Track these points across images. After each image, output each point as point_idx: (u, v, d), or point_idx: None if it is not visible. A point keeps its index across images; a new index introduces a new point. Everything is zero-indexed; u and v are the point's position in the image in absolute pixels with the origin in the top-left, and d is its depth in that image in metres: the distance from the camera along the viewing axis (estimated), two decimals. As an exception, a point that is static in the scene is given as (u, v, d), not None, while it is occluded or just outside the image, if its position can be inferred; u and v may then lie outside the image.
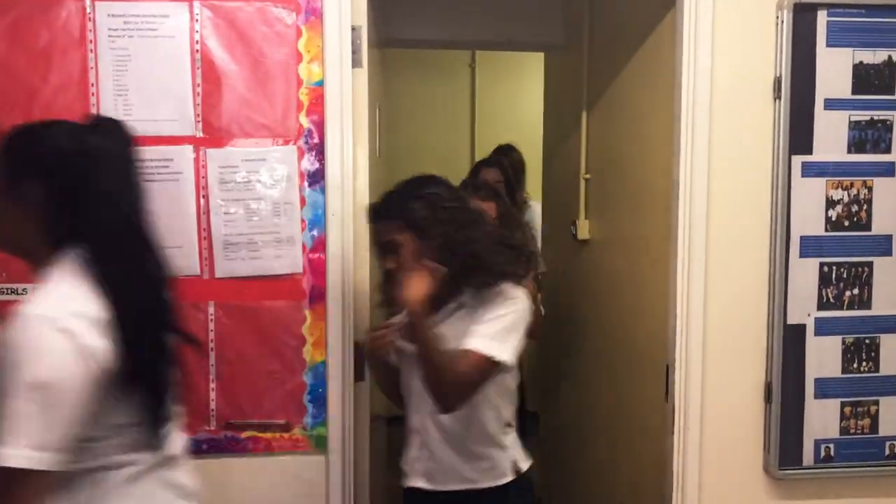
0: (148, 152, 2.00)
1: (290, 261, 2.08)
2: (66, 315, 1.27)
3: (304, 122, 2.07)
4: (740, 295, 2.21)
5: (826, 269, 2.21)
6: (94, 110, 2.00)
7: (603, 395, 2.93)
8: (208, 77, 2.03)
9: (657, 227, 2.36)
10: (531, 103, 4.94)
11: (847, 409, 2.25)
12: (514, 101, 5.08)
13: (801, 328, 2.22)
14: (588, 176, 3.12)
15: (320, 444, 2.13)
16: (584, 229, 3.13)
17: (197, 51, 2.03)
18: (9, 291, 2.02)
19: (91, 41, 2.00)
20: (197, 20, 2.02)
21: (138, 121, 2.01)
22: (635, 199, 2.61)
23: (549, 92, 3.87)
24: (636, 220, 2.61)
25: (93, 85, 2.00)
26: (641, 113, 2.54)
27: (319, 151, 2.07)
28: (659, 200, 2.34)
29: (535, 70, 4.98)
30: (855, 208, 2.20)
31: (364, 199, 2.17)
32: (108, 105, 2.00)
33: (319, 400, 2.12)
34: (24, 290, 2.00)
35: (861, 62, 2.16)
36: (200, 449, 2.09)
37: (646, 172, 2.50)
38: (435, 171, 4.33)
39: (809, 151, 2.18)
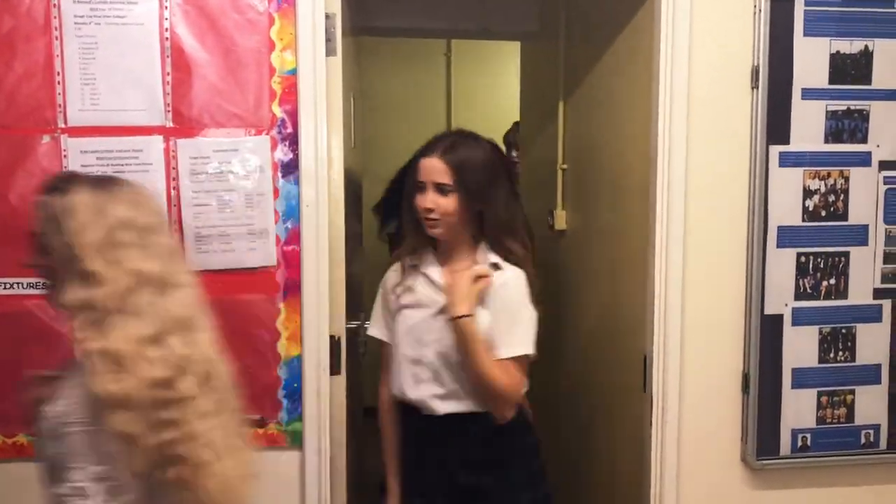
0: (116, 143, 1.97)
1: (263, 253, 2.04)
2: None
3: (277, 111, 2.03)
4: (718, 285, 2.20)
5: (803, 259, 2.21)
6: (59, 99, 1.94)
7: (581, 385, 2.92)
8: (178, 65, 1.98)
9: (635, 218, 2.35)
10: (508, 93, 4.90)
11: (824, 399, 2.25)
12: (490, 90, 5.04)
13: (779, 318, 2.21)
14: (565, 166, 3.10)
15: (296, 440, 2.09)
16: (561, 220, 3.12)
17: (166, 38, 1.98)
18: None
19: (56, 28, 1.94)
20: (166, 7, 1.97)
21: (106, 110, 1.97)
22: (613, 189, 2.60)
23: (525, 81, 3.85)
24: (614, 211, 2.59)
25: (59, 73, 1.94)
26: (619, 102, 2.52)
27: (293, 141, 2.03)
28: (636, 190, 2.33)
29: (512, 60, 4.92)
30: (832, 198, 2.20)
31: (339, 189, 2.13)
32: (75, 94, 1.95)
33: (295, 395, 2.08)
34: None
35: (838, 51, 2.16)
36: (173, 445, 2.05)
37: (623, 162, 2.48)
38: (405, 157, 4.28)
39: (787, 141, 2.17)
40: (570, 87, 3.04)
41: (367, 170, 4.90)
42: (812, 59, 2.16)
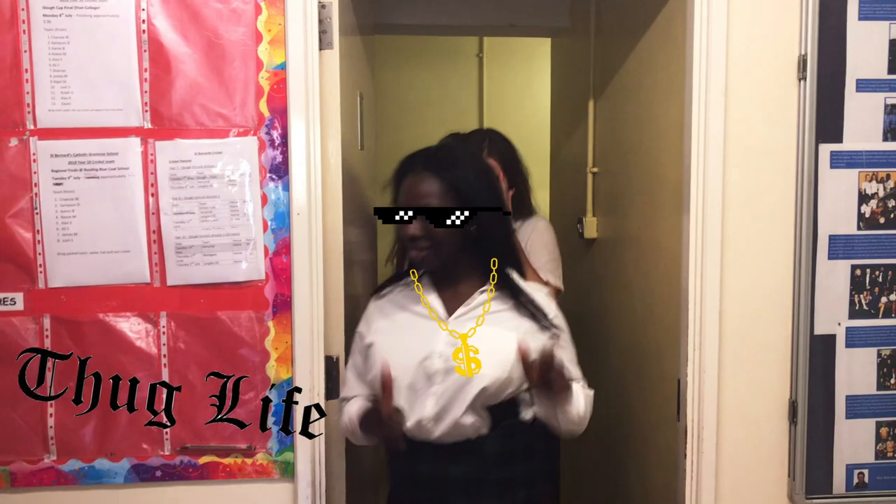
0: (90, 146, 1.81)
1: (250, 266, 1.86)
2: None
3: (265, 110, 1.84)
4: (761, 302, 1.96)
5: (858, 272, 1.95)
6: (28, 98, 1.78)
7: (612, 409, 2.68)
8: (157, 61, 1.81)
9: (669, 227, 2.12)
10: (543, 95, 4.71)
11: (883, 431, 1.99)
12: (524, 92, 4.83)
13: (831, 339, 1.96)
14: (595, 169, 2.87)
15: (287, 471, 1.90)
16: (591, 227, 2.89)
17: (144, 31, 1.80)
18: None
19: (24, 21, 1.78)
20: (143, -3, 1.80)
21: (78, 110, 1.80)
22: (646, 194, 2.36)
23: (555, 80, 3.62)
24: (647, 219, 2.36)
25: (27, 70, 1.78)
26: (652, 99, 2.29)
27: (283, 143, 1.85)
28: (670, 196, 2.10)
29: (546, 60, 4.75)
30: (892, 203, 1.94)
31: (336, 195, 1.94)
32: (45, 93, 1.78)
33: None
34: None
35: (898, 36, 1.90)
36: (153, 476, 1.88)
37: (657, 165, 2.25)
38: None
39: (839, 139, 1.92)
40: (601, 85, 2.81)
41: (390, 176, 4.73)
42: (868, 45, 1.91)
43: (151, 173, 1.82)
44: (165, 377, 1.85)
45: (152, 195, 1.83)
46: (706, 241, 1.94)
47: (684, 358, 1.98)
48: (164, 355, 1.85)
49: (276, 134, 1.84)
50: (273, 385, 1.88)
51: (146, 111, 1.81)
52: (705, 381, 1.96)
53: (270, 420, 1.89)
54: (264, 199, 1.85)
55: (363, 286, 2.40)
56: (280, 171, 1.85)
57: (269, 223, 1.85)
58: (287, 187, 1.85)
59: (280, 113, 1.84)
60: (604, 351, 2.76)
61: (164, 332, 1.85)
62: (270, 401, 1.88)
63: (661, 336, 2.18)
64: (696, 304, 1.96)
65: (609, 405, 2.70)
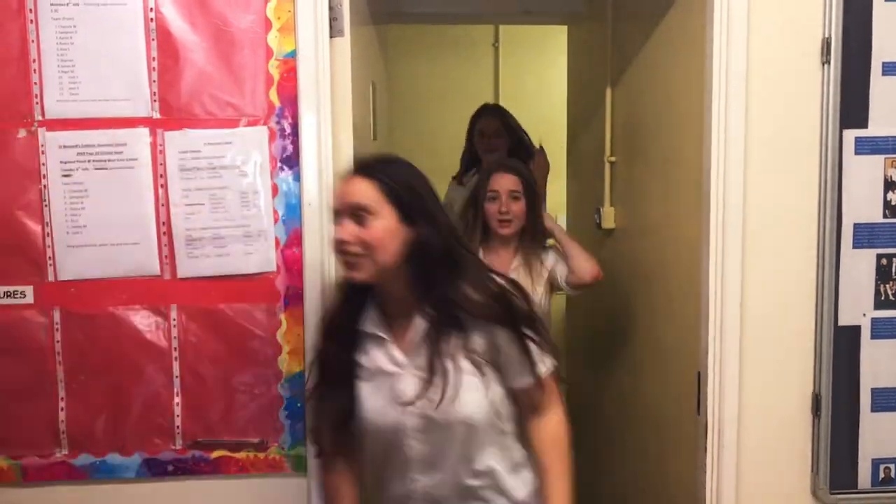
0: (98, 136, 1.79)
1: (261, 258, 1.83)
2: None
3: (275, 99, 1.81)
4: (783, 292, 1.91)
5: (884, 261, 1.90)
6: (35, 88, 1.76)
7: (629, 402, 2.64)
8: (165, 49, 1.78)
9: (689, 216, 2.07)
10: (559, 84, 4.65)
11: (910, 424, 1.94)
12: (540, 81, 4.76)
13: (855, 330, 1.91)
14: (613, 159, 2.82)
15: (300, 466, 1.87)
16: (609, 217, 2.83)
17: (151, 20, 1.77)
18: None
19: (31, 10, 1.75)
20: (151, -15, 1.77)
21: (86, 100, 1.78)
22: (665, 183, 2.31)
23: (572, 69, 3.56)
24: (666, 208, 2.31)
25: (34, 61, 1.76)
26: (670, 86, 2.23)
27: (293, 133, 1.81)
28: (690, 185, 2.05)
29: (562, 48, 4.69)
30: (919, 190, 1.89)
31: (348, 186, 1.91)
32: (53, 83, 1.76)
33: (298, 415, 1.86)
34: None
35: (927, 17, 1.84)
36: (165, 471, 1.86)
37: (676, 154, 2.20)
38: (455, 157, 4.08)
39: (864, 125, 1.86)
40: (618, 72, 2.76)
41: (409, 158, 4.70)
42: (895, 28, 1.85)
43: (160, 164, 1.80)
44: (176, 371, 1.83)
45: (161, 186, 1.80)
46: (727, 231, 1.89)
47: (704, 350, 1.94)
48: (175, 349, 1.83)
49: (286, 123, 1.81)
50: (285, 378, 1.85)
51: (155, 101, 1.79)
52: (726, 374, 1.92)
53: (282, 414, 1.86)
54: (275, 190, 1.82)
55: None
56: (291, 161, 1.82)
57: (279, 214, 1.82)
58: (298, 178, 1.82)
59: (290, 102, 1.81)
60: (622, 342, 2.71)
61: (174, 325, 1.83)
62: (283, 395, 1.85)
63: (681, 327, 2.13)
64: (716, 295, 1.91)
65: (627, 398, 2.66)
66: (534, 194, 2.62)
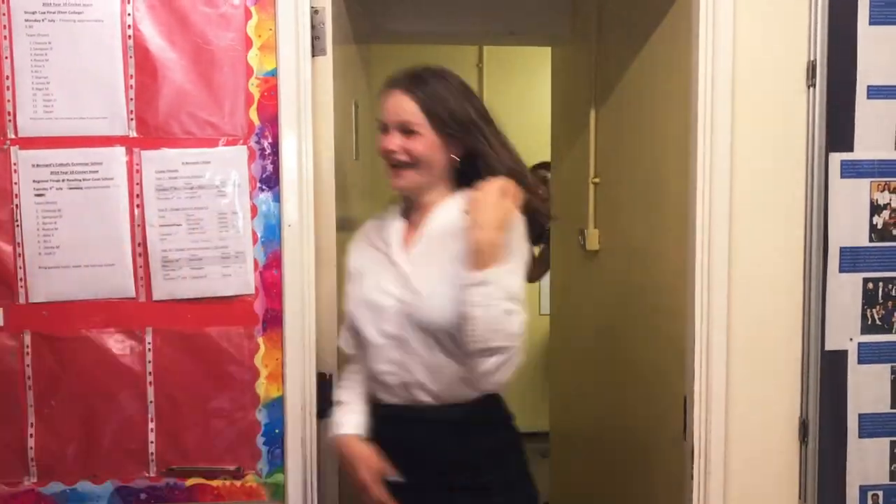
0: (73, 155, 1.75)
1: (239, 280, 1.79)
2: None
3: (255, 118, 1.78)
4: (770, 316, 1.89)
5: (871, 285, 1.88)
6: (9, 106, 1.72)
7: (613, 426, 2.61)
8: (143, 67, 1.75)
9: (673, 238, 2.05)
10: (543, 105, 4.65)
11: (898, 450, 1.92)
12: (524, 102, 4.75)
13: (842, 355, 1.89)
14: (597, 180, 2.80)
15: (278, 494, 1.82)
16: (593, 239, 2.81)
17: (129, 37, 1.74)
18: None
19: (5, 26, 1.71)
20: (129, 1, 1.74)
21: (61, 119, 1.74)
22: (649, 205, 2.30)
23: (556, 90, 3.56)
24: (650, 230, 2.29)
25: (8, 77, 1.72)
26: (656, 107, 2.22)
27: (273, 152, 1.78)
28: (675, 207, 2.03)
29: (546, 69, 4.69)
30: (905, 214, 1.87)
31: (329, 207, 1.88)
32: (26, 100, 1.72)
33: (276, 442, 1.81)
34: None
35: (911, 41, 1.84)
36: (138, 499, 1.80)
37: (660, 175, 2.19)
38: None
39: (850, 148, 1.86)
40: (603, 94, 2.75)
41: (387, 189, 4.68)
42: (880, 51, 1.84)
43: (137, 184, 1.76)
44: (151, 396, 1.78)
45: (138, 206, 1.76)
46: (713, 254, 1.87)
47: (690, 374, 1.91)
48: (150, 373, 1.78)
49: (266, 143, 1.78)
50: (263, 404, 1.81)
51: (132, 119, 1.75)
52: (713, 399, 1.89)
53: (260, 440, 1.81)
54: (254, 211, 1.78)
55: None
56: (271, 181, 1.78)
57: (258, 235, 1.79)
58: (278, 198, 1.78)
59: (271, 121, 1.77)
60: (605, 365, 2.68)
61: (149, 349, 1.78)
62: (260, 420, 1.81)
63: (667, 351, 2.11)
64: (703, 318, 1.88)
65: (610, 421, 2.63)
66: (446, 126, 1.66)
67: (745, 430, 1.90)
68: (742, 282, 1.87)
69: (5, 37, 1.71)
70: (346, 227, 2.06)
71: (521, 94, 4.77)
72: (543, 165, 3.77)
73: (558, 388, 3.43)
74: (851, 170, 1.86)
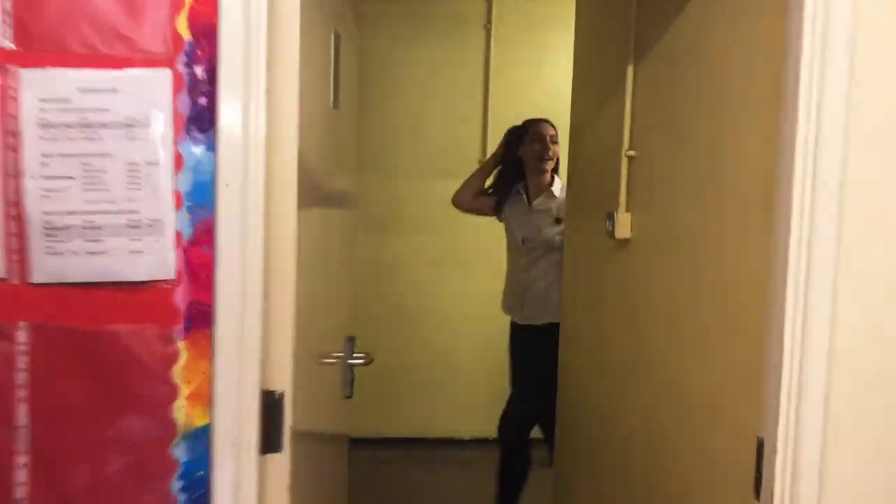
0: (-82, 71, 1.20)
1: (154, 259, 1.27)
2: None
3: (184, 30, 1.25)
4: (891, 342, 1.37)
5: None
6: None
7: (643, 464, 2.10)
8: (24, -51, 1.21)
9: (745, 227, 1.54)
10: (560, 71, 4.14)
11: None
12: (538, 68, 4.26)
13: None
14: (632, 153, 2.28)
15: (199, 560, 1.31)
16: (624, 225, 2.29)
17: None
18: None
19: None
20: None
21: None
22: (705, 184, 1.78)
23: (580, 45, 3.02)
24: (706, 216, 1.77)
25: None
26: (724, 59, 1.70)
27: (209, 80, 1.25)
28: (750, 189, 1.52)
29: (564, 30, 4.17)
30: None
31: (288, 164, 1.35)
32: None
33: (198, 487, 1.30)
34: None
35: None
36: (2, 560, 1.28)
37: (726, 147, 1.67)
38: (439, 153, 3.63)
39: None
40: (645, 46, 2.22)
41: (385, 155, 4.17)
42: None
43: (11, 116, 1.23)
44: (22, 418, 1.26)
45: (11, 148, 1.23)
46: (813, 254, 1.35)
47: (771, 411, 1.40)
48: (23, 386, 1.26)
49: (199, 68, 1.25)
50: (182, 434, 1.29)
51: (7, 25, 1.22)
52: (804, 446, 1.37)
53: (175, 485, 1.29)
54: (178, 162, 1.26)
55: (330, 293, 1.82)
56: (204, 121, 1.26)
57: (184, 197, 1.26)
58: (212, 146, 1.26)
59: (206, 35, 1.25)
60: (633, 384, 2.17)
61: (22, 352, 1.26)
62: (176, 457, 1.29)
63: (730, 375, 1.60)
64: (794, 340, 1.37)
65: (641, 456, 2.12)
66: None
67: (848, 490, 1.39)
68: (853, 293, 1.36)
69: None
70: (317, 197, 1.54)
71: (535, 58, 4.27)
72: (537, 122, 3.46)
73: (566, 413, 2.92)
74: None
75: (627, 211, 2.31)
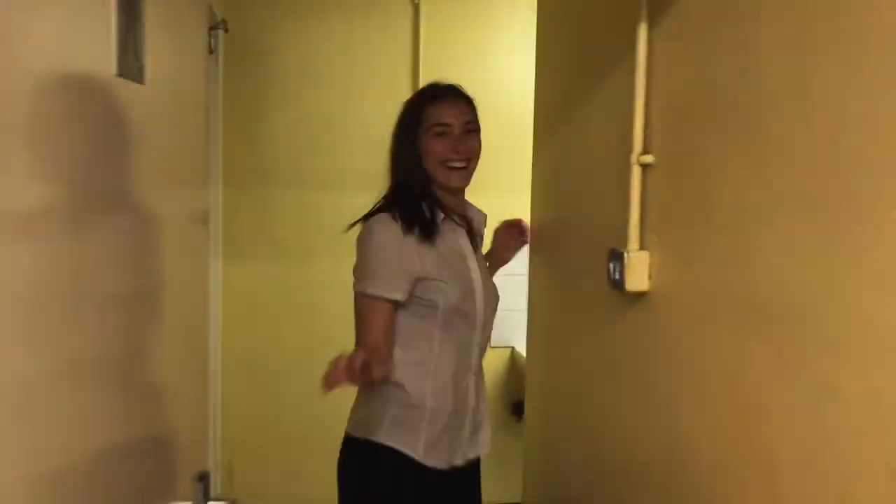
0: None
1: None
2: None
3: None
4: None
5: None
6: None
7: None
8: None
9: (860, 284, 0.75)
10: (510, 54, 3.49)
11: None
12: (476, 51, 3.49)
13: None
14: (650, 158, 1.49)
15: None
16: (639, 270, 1.50)
17: None
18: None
19: None
20: None
21: None
22: (788, 207, 1.01)
23: (545, 13, 2.22)
24: (792, 262, 1.00)
25: None
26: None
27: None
28: (868, 214, 0.74)
29: (507, 7, 3.39)
30: None
31: None
32: None
33: None
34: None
35: None
36: None
37: (823, 148, 0.91)
38: (363, 145, 2.83)
39: None
40: (662, 4, 1.43)
41: (299, 150, 3.44)
42: None
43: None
44: None
45: None
46: None
47: None
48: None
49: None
50: None
51: None
52: None
53: None
54: None
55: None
56: None
57: None
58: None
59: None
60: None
61: None
62: None
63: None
64: None
65: None
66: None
67: None
68: None
69: None
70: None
71: (474, 40, 3.51)
72: None
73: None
74: None
75: (643, 248, 1.51)
